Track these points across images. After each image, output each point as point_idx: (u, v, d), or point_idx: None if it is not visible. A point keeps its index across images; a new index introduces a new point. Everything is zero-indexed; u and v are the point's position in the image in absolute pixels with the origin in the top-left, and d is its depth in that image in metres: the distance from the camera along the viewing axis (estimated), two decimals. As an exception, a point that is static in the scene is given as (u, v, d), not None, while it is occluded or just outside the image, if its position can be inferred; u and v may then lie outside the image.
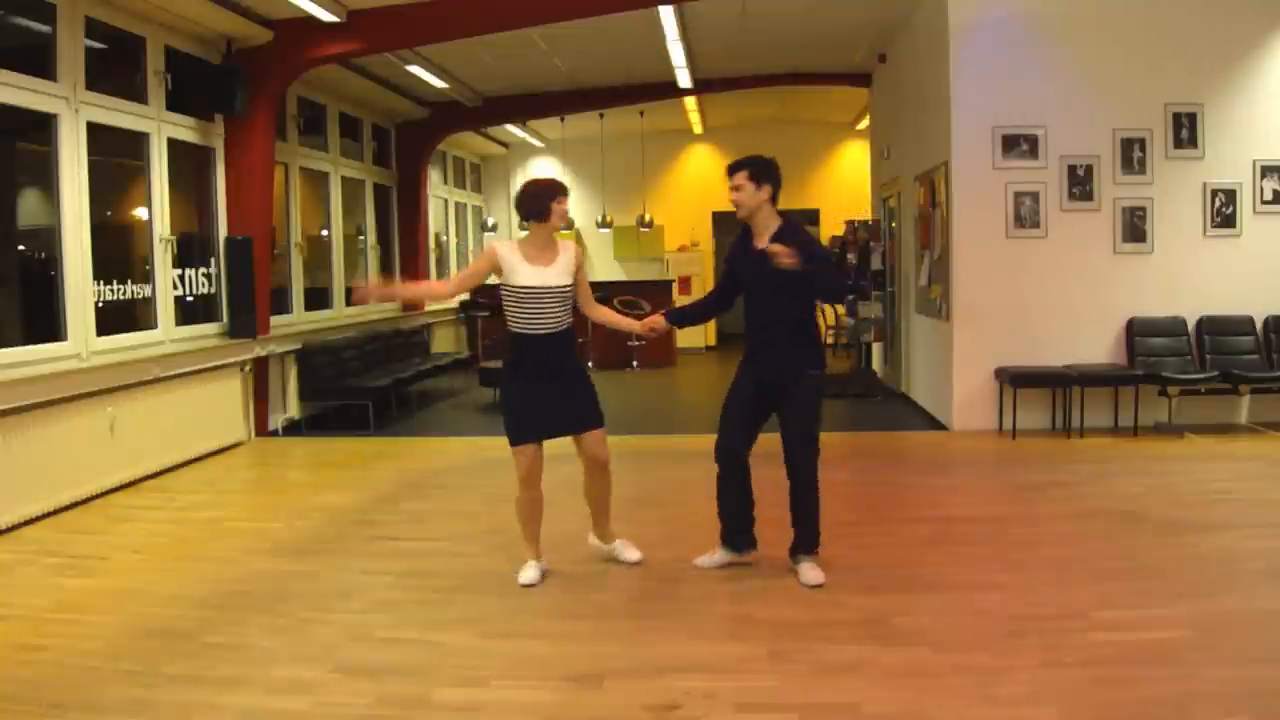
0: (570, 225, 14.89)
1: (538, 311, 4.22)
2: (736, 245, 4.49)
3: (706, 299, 4.74)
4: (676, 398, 11.15)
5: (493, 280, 4.42)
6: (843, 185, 15.26)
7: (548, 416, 4.28)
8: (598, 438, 4.38)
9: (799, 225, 4.53)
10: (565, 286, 4.26)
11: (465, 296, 14.26)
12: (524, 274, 4.21)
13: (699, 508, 4.90)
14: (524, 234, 4.41)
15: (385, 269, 12.01)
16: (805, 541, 4.37)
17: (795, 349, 4.31)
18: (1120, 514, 5.39)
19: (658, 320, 4.62)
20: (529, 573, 4.39)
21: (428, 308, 12.88)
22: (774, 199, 4.36)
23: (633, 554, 4.63)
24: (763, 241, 4.28)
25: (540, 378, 4.27)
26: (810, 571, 4.31)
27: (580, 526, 4.76)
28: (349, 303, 4.82)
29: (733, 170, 4.38)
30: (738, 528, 4.49)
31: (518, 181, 16.14)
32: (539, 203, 4.25)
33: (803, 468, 4.29)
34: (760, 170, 4.34)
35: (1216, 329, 7.78)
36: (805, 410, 4.31)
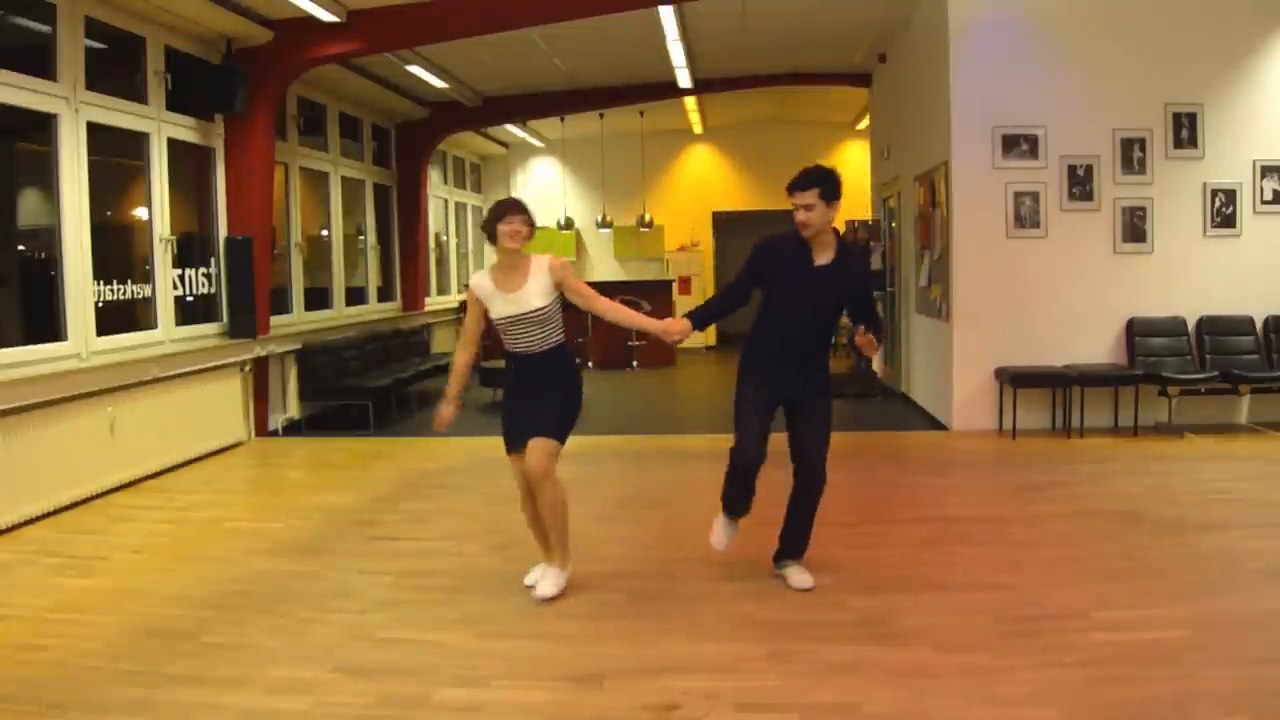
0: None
1: (517, 336, 4.19)
2: (785, 255, 4.19)
3: (724, 298, 4.42)
4: (676, 398, 11.15)
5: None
6: (843, 185, 15.22)
7: (517, 428, 4.23)
8: (535, 446, 4.12)
9: (856, 244, 4.41)
10: (538, 310, 4.14)
11: (466, 297, 14.32)
12: (497, 305, 4.17)
13: (699, 508, 4.90)
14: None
15: (385, 269, 12.02)
16: (800, 547, 4.36)
17: (822, 364, 4.31)
18: (1120, 514, 5.39)
19: (682, 323, 4.24)
20: (546, 583, 4.29)
21: (427, 307, 12.90)
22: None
23: (544, 588, 4.27)
24: (822, 259, 4.12)
25: (526, 393, 4.24)
26: (800, 575, 4.29)
27: (585, 527, 4.76)
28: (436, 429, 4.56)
29: (803, 187, 4.06)
30: (745, 505, 4.36)
31: (518, 181, 16.22)
32: (488, 227, 4.18)
33: (822, 472, 4.23)
34: (832, 188, 4.06)
35: (1216, 329, 7.78)
36: (827, 419, 4.26)
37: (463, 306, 13.79)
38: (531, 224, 4.18)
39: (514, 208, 4.18)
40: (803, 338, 4.20)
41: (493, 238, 4.19)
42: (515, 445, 4.24)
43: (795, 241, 4.16)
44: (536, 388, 4.22)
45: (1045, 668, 3.40)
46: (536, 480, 4.14)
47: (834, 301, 4.19)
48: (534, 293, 4.15)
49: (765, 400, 4.20)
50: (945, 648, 3.60)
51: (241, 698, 3.32)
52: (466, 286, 4.45)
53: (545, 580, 4.27)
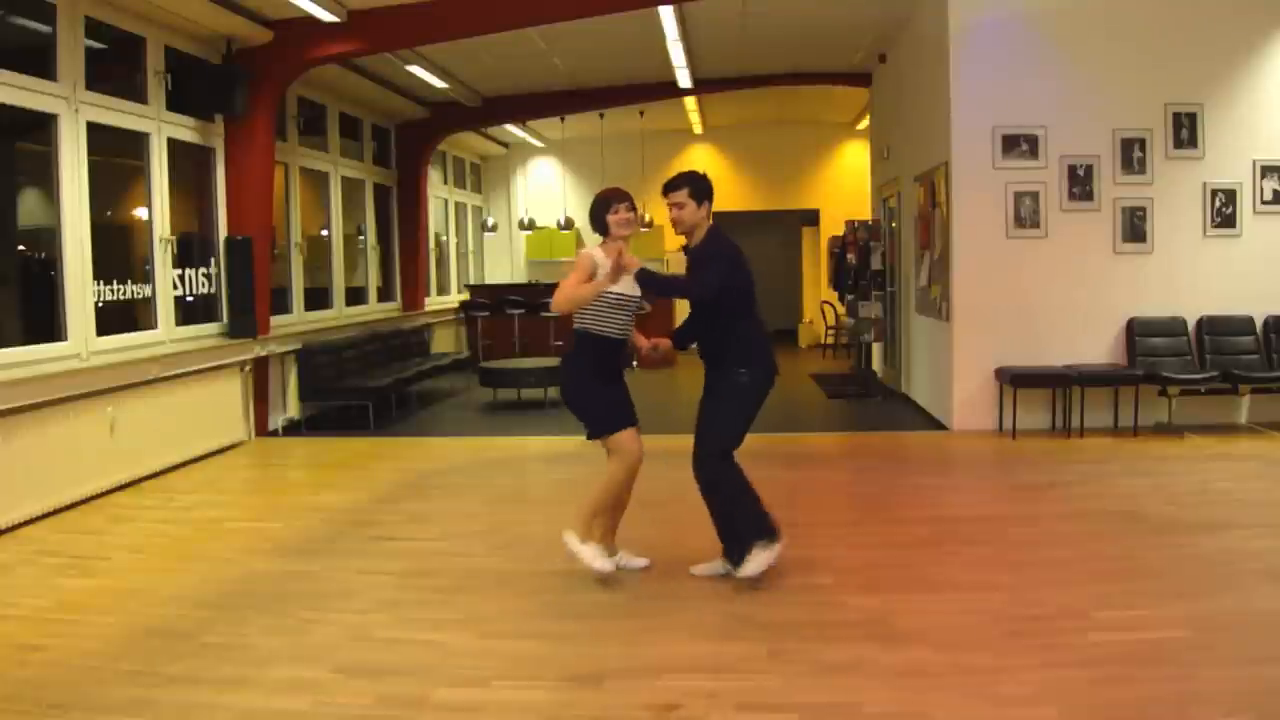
0: (570, 225, 14.89)
1: (624, 318, 4.32)
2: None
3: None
4: (677, 398, 11.13)
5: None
6: (843, 185, 15.25)
7: (632, 407, 4.47)
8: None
9: (716, 234, 4.47)
10: (639, 295, 4.34)
11: (466, 296, 14.32)
12: (620, 281, 4.24)
13: (699, 508, 4.88)
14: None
15: (385, 269, 12.02)
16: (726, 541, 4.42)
17: (719, 351, 4.50)
18: (1120, 514, 5.39)
19: (663, 341, 4.65)
20: (605, 562, 4.38)
21: (428, 307, 12.89)
22: (709, 214, 4.43)
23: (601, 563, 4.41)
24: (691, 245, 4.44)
25: (617, 378, 4.43)
26: (751, 564, 4.25)
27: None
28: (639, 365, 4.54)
29: (672, 189, 4.36)
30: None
31: (518, 181, 16.22)
32: (597, 221, 4.35)
33: (699, 461, 4.40)
34: (700, 189, 4.35)
35: (1216, 329, 7.78)
36: (716, 407, 4.47)
37: (463, 307, 13.85)
38: (635, 209, 4.39)
39: (618, 196, 4.35)
40: (695, 328, 4.52)
41: (603, 229, 4.33)
42: (637, 421, 4.45)
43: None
44: (619, 375, 4.45)
45: (1045, 668, 3.39)
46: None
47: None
48: (633, 280, 4.28)
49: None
50: (945, 648, 3.60)
51: (241, 698, 3.32)
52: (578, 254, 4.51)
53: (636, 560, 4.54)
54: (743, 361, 4.36)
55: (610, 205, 4.30)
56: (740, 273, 4.34)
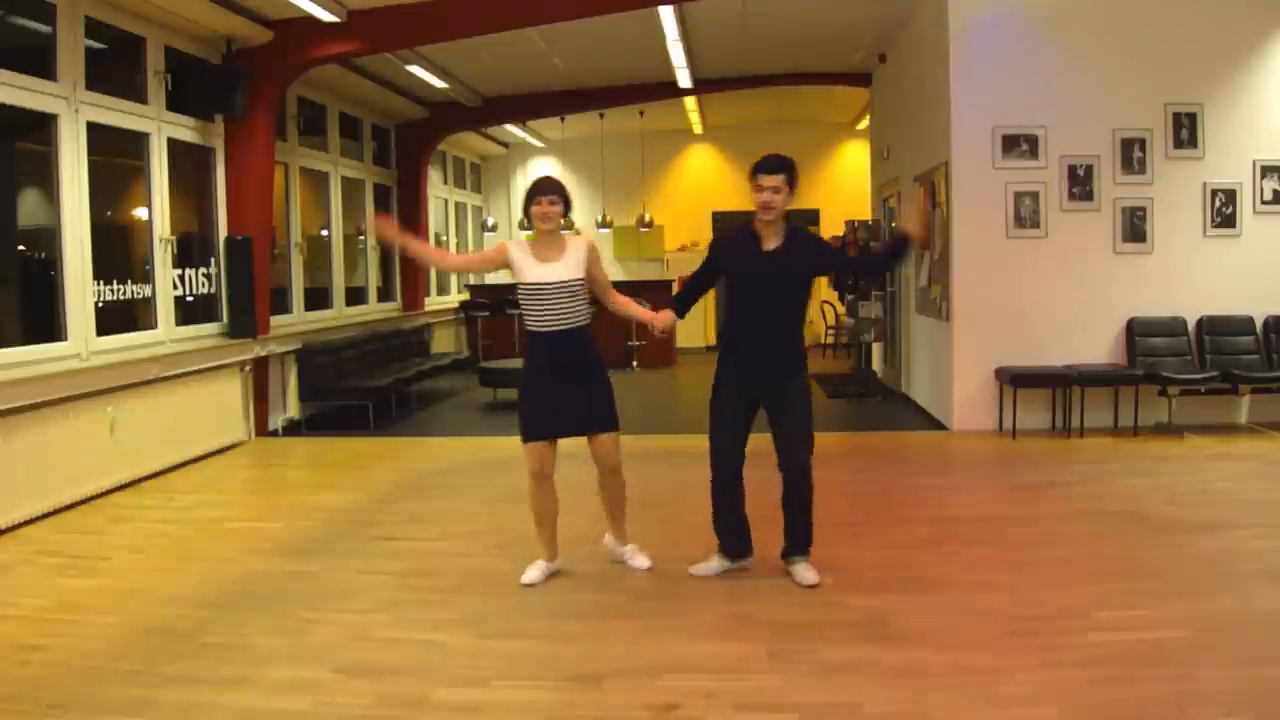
0: (570, 226, 14.87)
1: (548, 307, 4.20)
2: (736, 245, 4.36)
3: (693, 284, 4.59)
4: (676, 398, 11.14)
5: (507, 280, 4.40)
6: (843, 185, 15.25)
7: (559, 415, 4.26)
8: (608, 441, 4.35)
9: (803, 228, 4.51)
10: (573, 281, 4.21)
11: (466, 296, 14.31)
12: (528, 270, 4.22)
13: (699, 508, 4.88)
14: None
15: (385, 269, 12.02)
16: (801, 542, 4.36)
17: (789, 352, 4.29)
18: (1120, 514, 5.39)
19: (667, 316, 4.53)
20: (531, 572, 4.39)
21: (428, 307, 12.89)
22: None
23: (641, 561, 4.56)
24: (771, 244, 4.22)
25: (555, 375, 4.25)
26: (807, 572, 4.30)
27: (586, 527, 4.76)
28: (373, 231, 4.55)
29: (769, 171, 4.18)
30: (736, 536, 4.45)
31: (518, 181, 16.22)
32: (525, 208, 4.32)
33: (801, 469, 4.26)
34: (794, 175, 4.24)
35: (1216, 329, 7.78)
36: (803, 411, 4.28)
37: (463, 307, 13.85)
38: (565, 201, 4.27)
39: (545, 188, 4.26)
40: (763, 322, 4.25)
41: (527, 218, 4.29)
42: (553, 433, 4.28)
43: (745, 231, 4.32)
44: (572, 370, 4.25)
45: (1045, 668, 3.39)
46: (614, 469, 4.37)
47: (790, 286, 4.24)
48: (571, 265, 4.22)
49: (736, 407, 4.29)
50: (945, 648, 3.60)
51: (241, 698, 3.32)
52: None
53: (638, 557, 4.55)
54: (804, 360, 4.37)
55: (534, 197, 4.23)
56: None
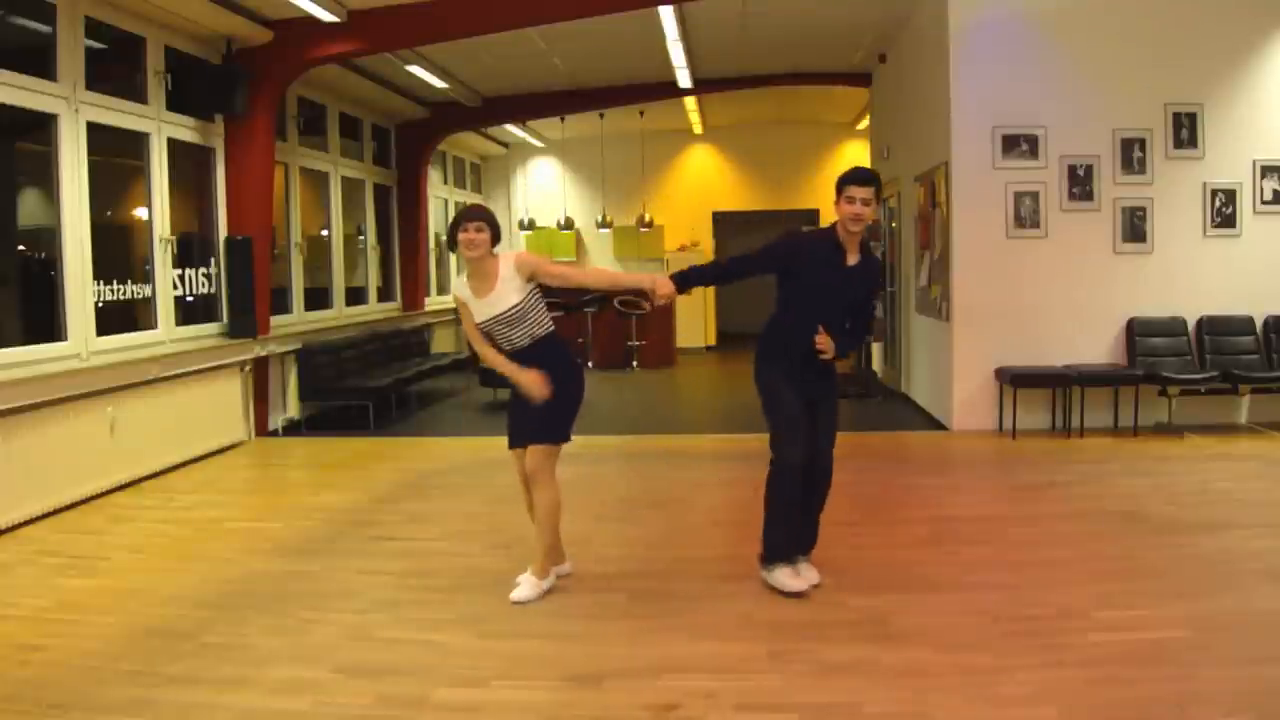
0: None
1: (500, 336, 4.20)
2: (817, 252, 4.21)
3: (729, 269, 4.41)
4: (676, 398, 11.15)
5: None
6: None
7: (516, 427, 4.28)
8: (532, 453, 4.17)
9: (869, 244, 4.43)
10: (513, 308, 4.11)
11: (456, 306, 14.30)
12: (477, 310, 4.18)
13: (699, 508, 4.90)
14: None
15: (385, 269, 12.02)
16: (806, 541, 4.36)
17: (833, 364, 4.34)
18: (1120, 514, 5.39)
19: (668, 285, 4.18)
20: (523, 589, 4.24)
21: (427, 307, 12.91)
22: None
23: (524, 592, 4.24)
24: (852, 259, 4.19)
25: (517, 391, 4.23)
26: (807, 572, 4.30)
27: (586, 528, 4.76)
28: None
29: (862, 183, 4.10)
30: (800, 530, 4.34)
31: (518, 181, 16.23)
32: (450, 238, 4.16)
33: (831, 472, 4.30)
34: (881, 189, 4.21)
35: (1216, 329, 7.78)
36: (836, 418, 4.33)
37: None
38: (492, 228, 4.13)
39: (468, 215, 4.14)
40: (833, 335, 4.22)
41: (452, 247, 4.16)
42: (515, 443, 4.28)
43: (829, 241, 4.20)
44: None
45: (1045, 668, 3.39)
46: (537, 482, 4.18)
47: (858, 302, 4.29)
48: (506, 292, 4.11)
49: (803, 401, 4.21)
50: (945, 648, 3.60)
51: (241, 698, 3.32)
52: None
53: (522, 585, 4.23)
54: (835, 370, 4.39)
55: (459, 223, 4.11)
56: None
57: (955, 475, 6.82)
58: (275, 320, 8.63)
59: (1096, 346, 7.89)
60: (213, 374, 7.67)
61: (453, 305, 13.71)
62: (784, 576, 4.21)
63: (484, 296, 4.14)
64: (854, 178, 4.12)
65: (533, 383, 4.09)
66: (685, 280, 4.28)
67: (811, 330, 4.15)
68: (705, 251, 15.78)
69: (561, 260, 13.43)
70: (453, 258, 14.72)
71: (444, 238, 14.23)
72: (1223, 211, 7.83)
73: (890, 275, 10.52)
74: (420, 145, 12.33)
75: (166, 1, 6.79)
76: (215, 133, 8.01)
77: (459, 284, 4.25)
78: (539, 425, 4.17)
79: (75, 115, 6.27)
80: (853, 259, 4.21)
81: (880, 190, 4.20)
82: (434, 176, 13.62)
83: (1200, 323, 7.80)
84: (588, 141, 15.04)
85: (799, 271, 4.24)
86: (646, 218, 14.89)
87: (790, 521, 4.26)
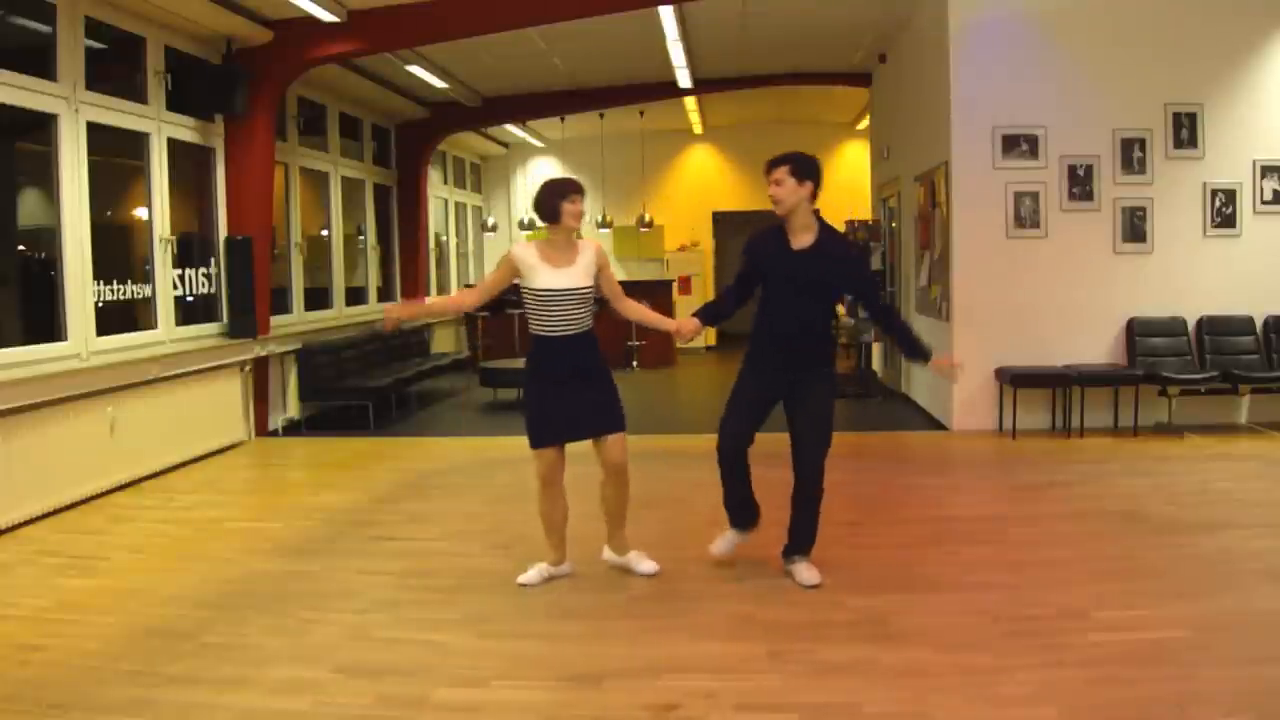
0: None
1: (557, 313, 4.18)
2: (766, 243, 4.33)
3: (730, 294, 4.52)
4: (676, 398, 11.15)
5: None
6: (843, 185, 15.20)
7: (568, 420, 4.24)
8: (616, 442, 4.30)
9: (836, 230, 4.46)
10: (585, 288, 4.20)
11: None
12: (543, 276, 4.17)
13: (699, 508, 4.90)
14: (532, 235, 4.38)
15: (385, 269, 12.02)
16: (804, 542, 4.35)
17: (811, 350, 4.29)
18: (1120, 514, 5.39)
19: (692, 323, 4.41)
20: (530, 573, 4.39)
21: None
22: (814, 197, 4.28)
23: (648, 566, 4.50)
24: (800, 243, 4.22)
25: (562, 380, 4.22)
26: (807, 572, 4.30)
27: (586, 528, 4.75)
28: (383, 330, 4.74)
29: (774, 165, 4.26)
30: (744, 509, 4.45)
31: (518, 181, 16.21)
32: (549, 204, 4.20)
33: (815, 467, 4.24)
34: (802, 166, 4.23)
35: (1216, 329, 7.78)
36: (822, 412, 4.27)
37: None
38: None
39: (577, 187, 4.27)
40: (791, 320, 4.24)
41: (553, 216, 4.21)
42: (563, 438, 4.26)
43: (775, 229, 4.32)
44: (578, 374, 4.23)
45: (1045, 668, 3.39)
46: (620, 470, 4.32)
47: (813, 286, 4.25)
48: (583, 271, 4.21)
49: (760, 391, 4.29)
50: (945, 648, 3.60)
51: (241, 698, 3.32)
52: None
53: (643, 562, 4.49)
54: (829, 360, 4.40)
55: (567, 194, 4.20)
56: None
57: (955, 475, 6.82)
58: (275, 320, 8.63)
59: (1096, 346, 7.89)
60: (213, 374, 7.66)
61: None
62: (718, 539, 4.50)
63: (561, 267, 4.18)
64: (768, 162, 4.29)
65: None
66: (705, 316, 4.50)
67: (774, 318, 4.27)
68: (705, 251, 15.82)
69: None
70: (452, 259, 14.74)
71: (444, 237, 14.33)
72: (1223, 211, 7.83)
73: (890, 275, 10.51)
74: (420, 145, 12.33)
75: (166, 1, 6.79)
76: (215, 133, 8.01)
77: (522, 247, 4.27)
78: (610, 414, 4.29)
79: (75, 115, 6.27)
80: (800, 242, 4.23)
81: (801, 168, 4.20)
82: (434, 176, 13.62)
83: (1200, 323, 7.80)
84: (588, 141, 15.04)
85: (758, 266, 4.37)
86: (646, 218, 14.88)
87: (730, 491, 4.40)
